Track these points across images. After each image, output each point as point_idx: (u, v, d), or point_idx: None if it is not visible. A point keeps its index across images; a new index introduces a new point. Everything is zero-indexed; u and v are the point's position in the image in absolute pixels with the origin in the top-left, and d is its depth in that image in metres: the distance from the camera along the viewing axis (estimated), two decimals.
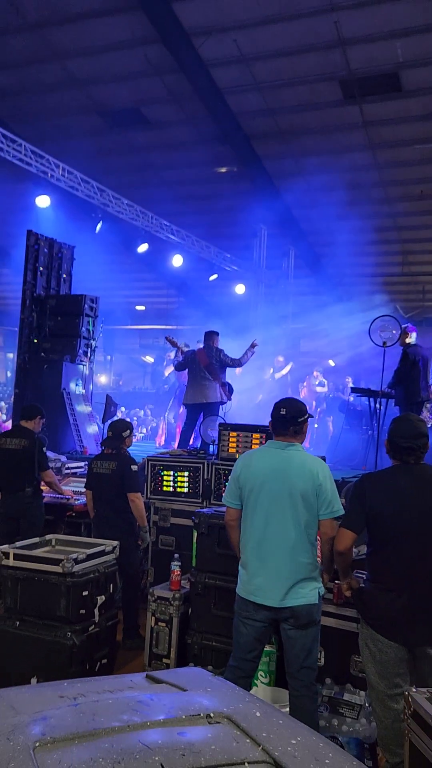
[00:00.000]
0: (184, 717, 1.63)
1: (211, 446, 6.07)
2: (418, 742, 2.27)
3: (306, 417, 3.39)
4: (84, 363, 9.75)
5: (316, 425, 11.39)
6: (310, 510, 3.21)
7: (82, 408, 9.46)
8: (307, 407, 3.52)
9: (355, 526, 3.06)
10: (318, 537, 3.32)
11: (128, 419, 8.14)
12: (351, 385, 11.38)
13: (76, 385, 9.57)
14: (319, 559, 3.36)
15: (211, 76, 11.79)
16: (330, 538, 3.22)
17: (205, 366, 7.81)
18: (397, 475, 3.06)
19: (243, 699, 1.80)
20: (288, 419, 3.36)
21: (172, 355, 12.09)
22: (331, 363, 14.28)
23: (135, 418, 14.88)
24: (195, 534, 4.49)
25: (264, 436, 5.26)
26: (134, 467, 5.17)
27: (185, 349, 8.26)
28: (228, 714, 1.67)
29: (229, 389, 7.93)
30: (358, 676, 3.73)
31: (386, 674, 2.98)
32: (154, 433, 13.39)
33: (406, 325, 8.02)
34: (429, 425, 9.00)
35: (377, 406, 8.06)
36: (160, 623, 4.45)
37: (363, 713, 3.62)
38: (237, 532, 3.41)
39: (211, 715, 1.65)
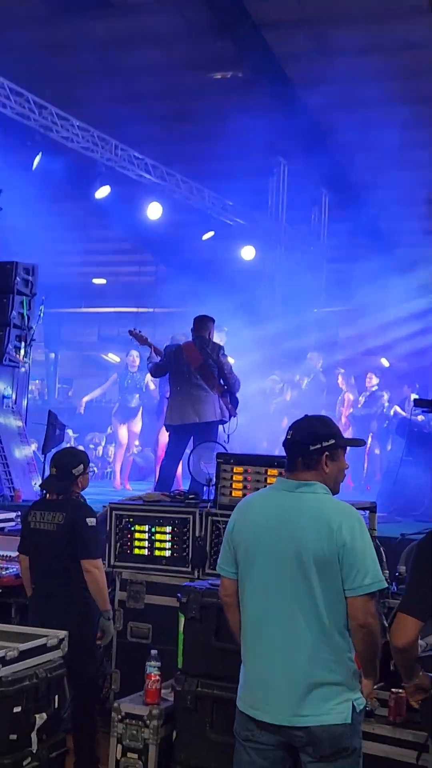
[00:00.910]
0: None
1: (205, 488, 6.07)
2: None
3: (326, 444, 3.37)
4: (15, 363, 9.74)
5: None
6: (332, 582, 3.18)
7: (12, 429, 9.45)
8: (339, 429, 3.51)
9: (421, 610, 3.08)
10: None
11: (81, 448, 8.16)
12: (414, 396, 11.44)
13: (4, 396, 9.57)
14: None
15: None
16: (362, 624, 3.18)
17: (198, 368, 7.85)
18: None
19: None
20: (294, 446, 3.37)
21: (142, 358, 11.96)
22: (384, 362, 14.28)
23: (92, 447, 14.84)
24: (182, 619, 4.50)
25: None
26: (91, 521, 5.17)
27: (180, 339, 8.30)
28: None
29: (232, 401, 8.00)
30: None
31: None
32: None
33: None
34: None
35: None
36: (129, 753, 4.43)
37: None
38: (237, 612, 3.44)
39: None
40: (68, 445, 8.23)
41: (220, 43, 13.55)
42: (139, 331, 8.42)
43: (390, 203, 15.57)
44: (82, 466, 5.39)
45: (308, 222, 16.39)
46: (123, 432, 12.11)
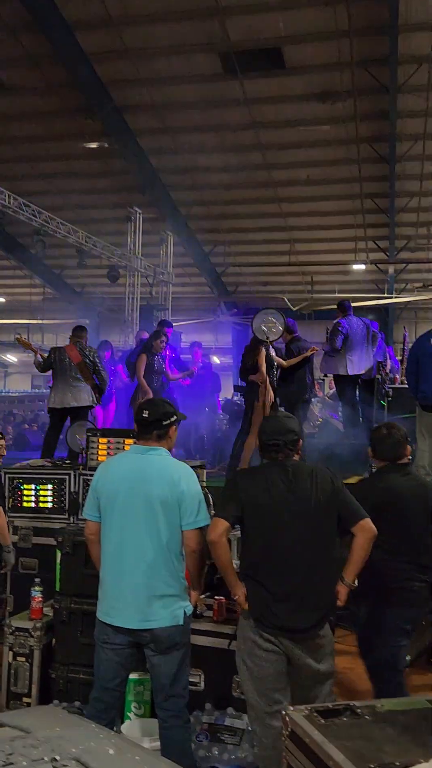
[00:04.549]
0: (24, 763, 1.57)
1: (79, 455, 6.06)
2: (296, 763, 2.23)
3: (173, 420, 3.43)
4: None
5: None
6: (172, 520, 3.25)
7: None
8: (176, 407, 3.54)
9: (228, 515, 3.17)
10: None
11: None
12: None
13: None
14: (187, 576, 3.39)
15: (76, 40, 11.63)
16: (193, 550, 3.28)
17: (77, 364, 7.73)
18: (269, 470, 3.24)
19: (96, 736, 1.78)
20: (151, 422, 3.39)
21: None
22: (216, 360, 14.48)
23: None
24: (59, 554, 4.41)
25: None
26: None
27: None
28: (77, 755, 1.63)
29: (100, 392, 7.91)
30: (240, 698, 3.77)
31: (264, 690, 3.08)
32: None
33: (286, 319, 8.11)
34: (318, 422, 9.31)
35: None
36: (18, 658, 4.27)
37: (246, 738, 3.67)
38: (98, 546, 3.41)
39: (57, 758, 1.61)
40: None
41: (89, 121, 13.52)
42: (25, 338, 8.08)
43: (220, 244, 15.73)
44: None
45: (158, 257, 16.30)
46: None
